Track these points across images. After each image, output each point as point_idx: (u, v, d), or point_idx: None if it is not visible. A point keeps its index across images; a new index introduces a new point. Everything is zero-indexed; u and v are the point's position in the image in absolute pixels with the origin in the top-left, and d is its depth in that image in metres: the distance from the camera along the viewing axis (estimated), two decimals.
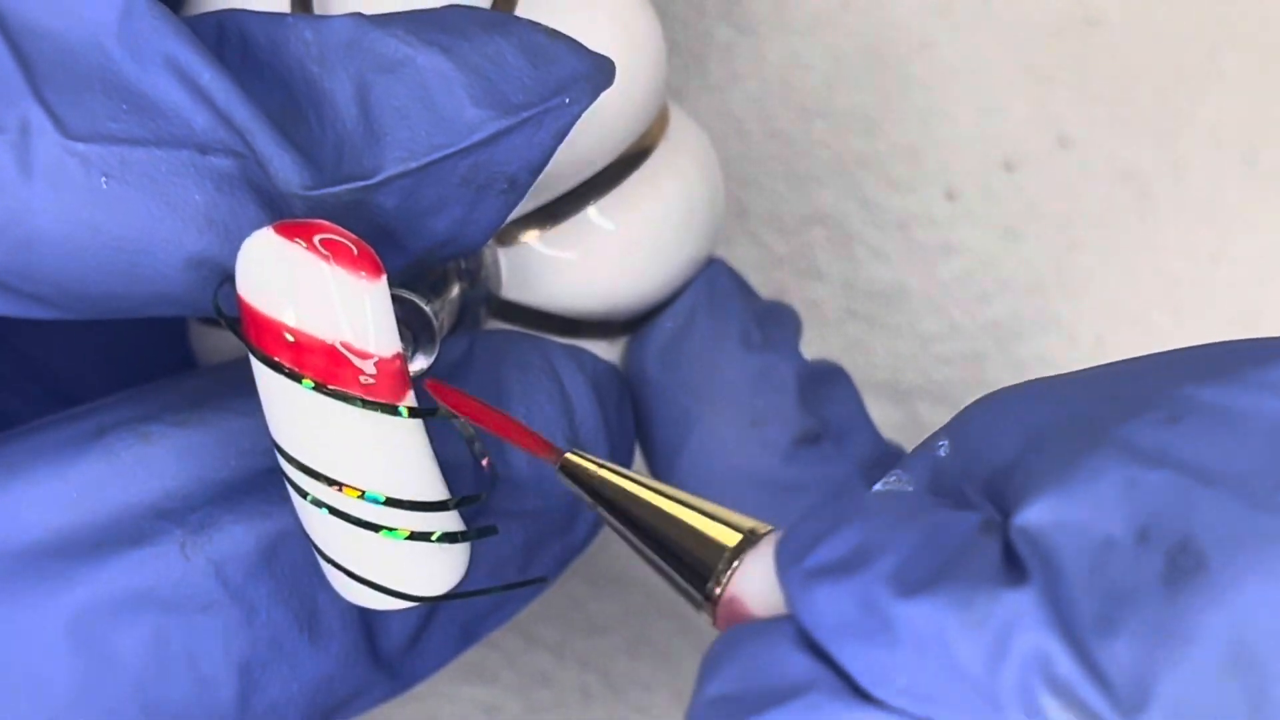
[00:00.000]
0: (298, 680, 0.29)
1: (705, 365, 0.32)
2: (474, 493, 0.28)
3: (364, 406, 0.26)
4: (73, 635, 0.27)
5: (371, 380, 0.26)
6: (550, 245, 0.33)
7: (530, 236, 0.32)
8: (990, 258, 0.42)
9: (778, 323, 0.33)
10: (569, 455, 0.27)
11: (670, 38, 0.42)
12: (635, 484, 0.27)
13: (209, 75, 0.26)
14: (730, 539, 0.26)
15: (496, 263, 0.32)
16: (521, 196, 0.28)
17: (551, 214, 0.32)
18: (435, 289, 0.30)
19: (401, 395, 0.26)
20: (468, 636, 0.31)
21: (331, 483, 0.26)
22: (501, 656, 0.44)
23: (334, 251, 0.25)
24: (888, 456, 0.32)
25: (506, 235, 0.32)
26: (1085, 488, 0.23)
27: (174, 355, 0.34)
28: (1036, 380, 0.26)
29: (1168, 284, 0.43)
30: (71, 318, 0.28)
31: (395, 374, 0.26)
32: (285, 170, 0.26)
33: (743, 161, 0.42)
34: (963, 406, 0.44)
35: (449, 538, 0.27)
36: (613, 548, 0.39)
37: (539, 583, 0.30)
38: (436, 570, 0.27)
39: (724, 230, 0.37)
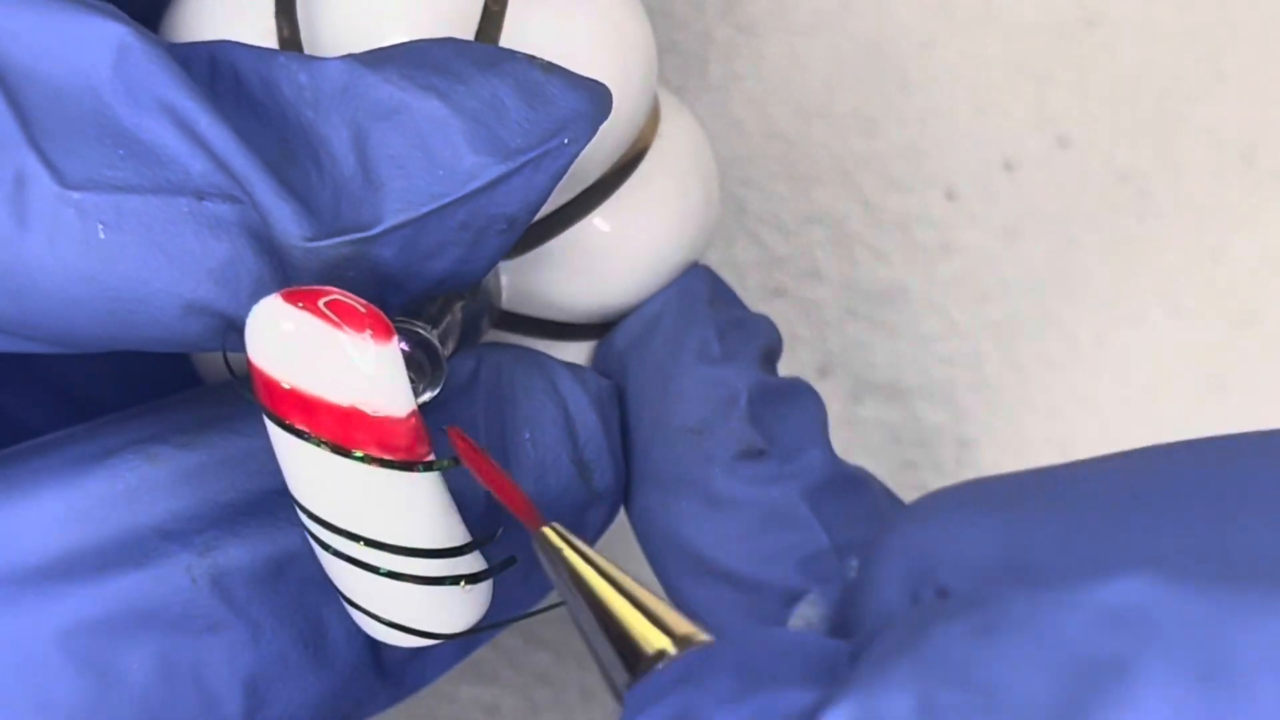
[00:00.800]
0: (304, 696, 0.29)
1: (657, 372, 0.32)
2: (488, 527, 0.28)
3: (382, 466, 0.26)
4: (71, 651, 0.27)
5: (387, 439, 0.26)
6: (549, 255, 0.32)
7: (529, 249, 0.32)
8: (990, 257, 0.42)
9: (744, 335, 0.33)
10: (546, 529, 0.27)
11: (670, 38, 0.42)
12: (594, 570, 0.26)
13: (206, 121, 0.26)
14: (655, 643, 0.25)
15: (497, 275, 0.32)
16: (520, 233, 0.28)
17: (549, 228, 0.32)
18: (440, 312, 0.30)
19: (419, 449, 0.26)
20: (469, 643, 0.31)
21: (353, 537, 0.26)
22: (501, 656, 0.44)
23: (342, 315, 0.25)
24: (839, 480, 0.31)
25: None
26: (885, 701, 0.22)
27: (189, 367, 0.34)
28: (959, 504, 0.26)
29: (1167, 283, 0.43)
30: (68, 353, 0.28)
31: (410, 431, 0.26)
32: (284, 221, 0.26)
33: (742, 162, 0.42)
34: (962, 407, 0.44)
35: (472, 579, 0.27)
36: (613, 551, 0.38)
37: (555, 608, 0.30)
38: (461, 609, 0.28)
39: (721, 220, 0.37)
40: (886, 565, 0.25)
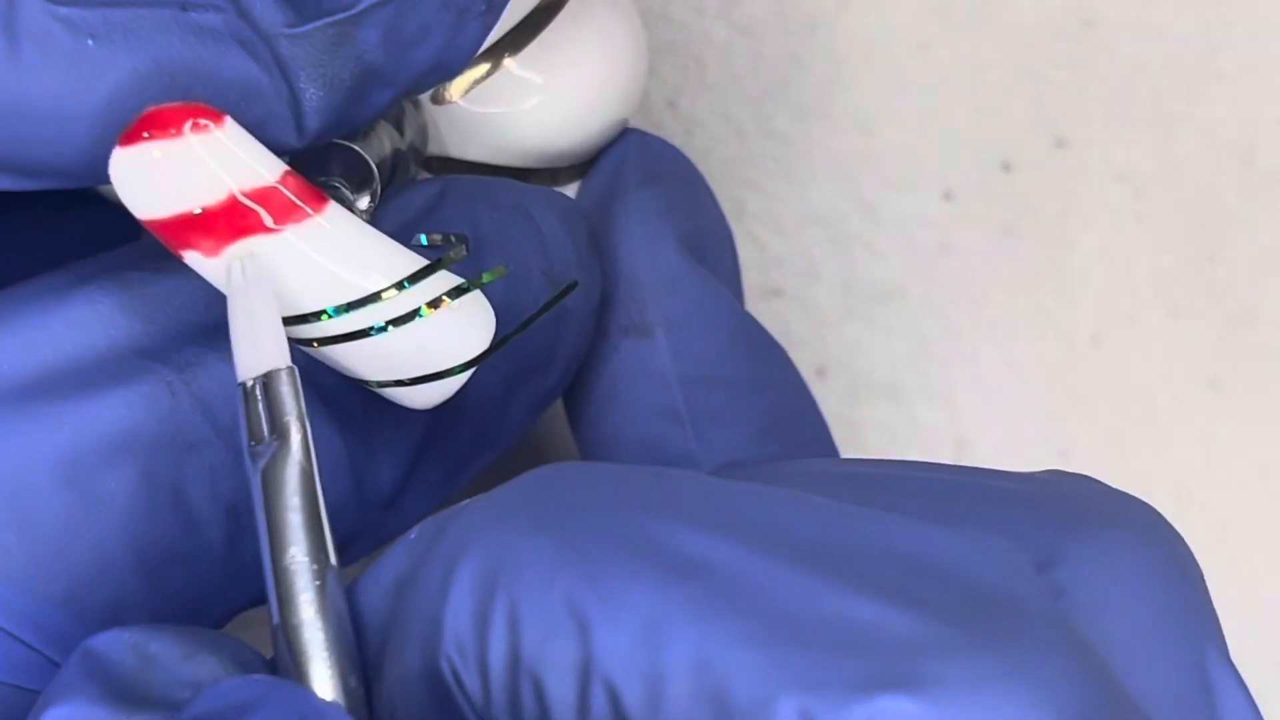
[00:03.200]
0: None
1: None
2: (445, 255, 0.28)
3: (290, 227, 0.27)
4: (51, 470, 0.27)
5: (283, 207, 0.27)
6: (476, 103, 0.33)
7: (455, 93, 0.33)
8: (988, 258, 0.43)
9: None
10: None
11: (668, 38, 0.42)
12: None
13: None
14: None
15: (421, 114, 0.33)
16: (498, 17, 0.28)
17: (470, 68, 0.33)
18: (366, 138, 0.31)
19: (316, 203, 0.27)
20: (450, 483, 0.31)
21: (316, 315, 0.27)
22: None
23: (164, 124, 0.26)
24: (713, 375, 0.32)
25: (435, 93, 0.33)
26: None
27: None
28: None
29: (1165, 284, 0.43)
30: (61, 186, 0.28)
31: (297, 189, 0.27)
32: (268, 12, 0.27)
33: (740, 162, 0.42)
34: (960, 407, 0.44)
35: (456, 292, 0.28)
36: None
37: (571, 290, 0.31)
38: (469, 328, 0.28)
39: (648, 73, 0.37)
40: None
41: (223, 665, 0.25)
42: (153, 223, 0.27)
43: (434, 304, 0.27)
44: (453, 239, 0.29)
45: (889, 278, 0.43)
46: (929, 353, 0.43)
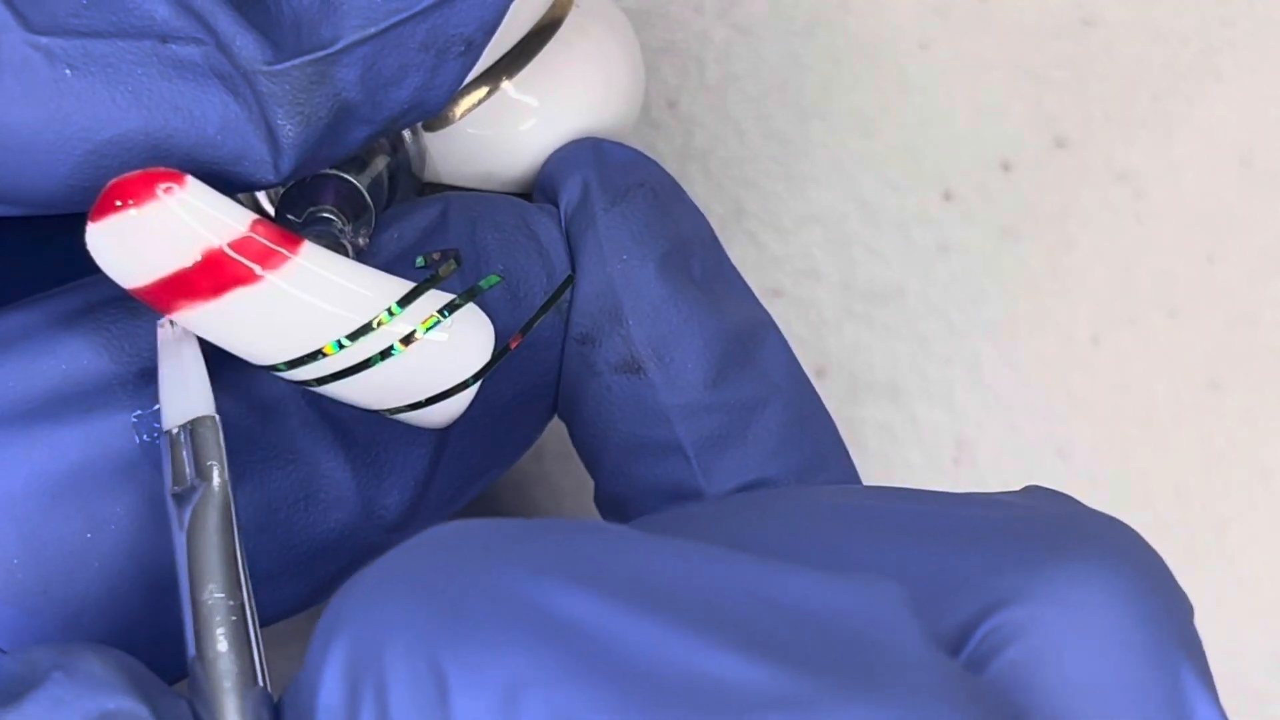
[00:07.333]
0: (294, 549, 0.29)
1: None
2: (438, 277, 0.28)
3: (274, 274, 0.27)
4: (68, 499, 0.28)
5: (261, 253, 0.27)
6: (474, 125, 0.33)
7: (453, 116, 0.33)
8: (987, 258, 0.43)
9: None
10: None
11: (667, 38, 0.42)
12: None
13: None
14: None
15: (417, 138, 0.33)
16: (478, 58, 0.28)
17: (468, 92, 0.33)
18: (361, 165, 0.31)
19: (291, 245, 0.27)
20: (455, 501, 0.32)
21: (315, 354, 0.27)
22: None
23: (132, 194, 0.26)
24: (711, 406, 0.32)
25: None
26: None
27: None
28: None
29: (1164, 284, 0.43)
30: (37, 213, 0.28)
31: (269, 234, 0.27)
32: (247, 48, 0.27)
33: (740, 162, 0.42)
34: (960, 407, 0.44)
35: (450, 308, 0.28)
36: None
37: (568, 284, 0.31)
38: (469, 343, 0.28)
39: (645, 93, 0.37)
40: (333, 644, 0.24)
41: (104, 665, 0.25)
42: (141, 290, 0.27)
43: (430, 324, 0.27)
44: (446, 255, 0.29)
45: (889, 277, 0.43)
46: (929, 353, 0.43)
